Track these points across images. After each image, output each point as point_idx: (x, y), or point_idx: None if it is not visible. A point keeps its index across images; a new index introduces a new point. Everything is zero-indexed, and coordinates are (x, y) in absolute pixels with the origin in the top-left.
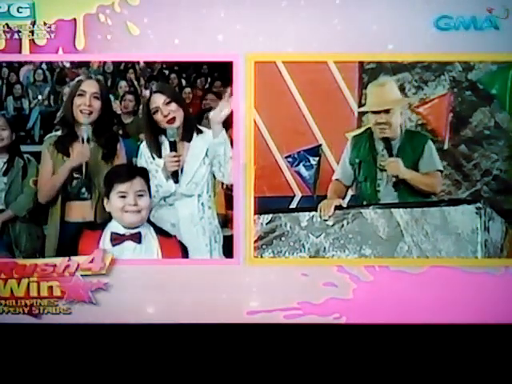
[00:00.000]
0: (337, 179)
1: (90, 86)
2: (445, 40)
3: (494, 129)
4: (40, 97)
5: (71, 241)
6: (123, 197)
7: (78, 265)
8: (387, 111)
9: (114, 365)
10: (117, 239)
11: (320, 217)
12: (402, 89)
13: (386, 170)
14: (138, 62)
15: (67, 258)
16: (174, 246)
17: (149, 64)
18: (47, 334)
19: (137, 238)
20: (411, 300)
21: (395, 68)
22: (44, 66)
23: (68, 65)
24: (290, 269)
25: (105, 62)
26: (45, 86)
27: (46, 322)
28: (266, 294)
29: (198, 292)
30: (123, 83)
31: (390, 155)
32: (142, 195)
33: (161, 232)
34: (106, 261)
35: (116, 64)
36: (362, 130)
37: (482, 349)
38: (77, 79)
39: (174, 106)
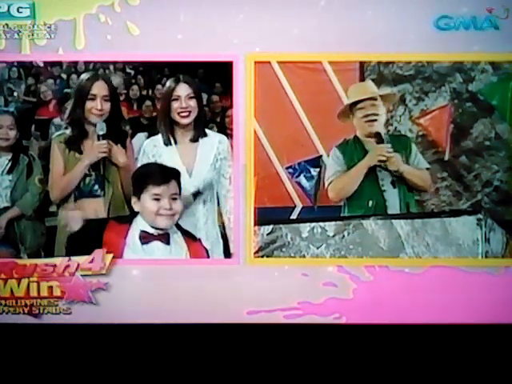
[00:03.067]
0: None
1: (100, 89)
2: (445, 40)
3: (494, 140)
4: (16, 94)
5: (95, 234)
6: (157, 199)
7: (78, 265)
8: (373, 105)
9: (114, 365)
10: (146, 238)
11: (382, 161)
12: (402, 100)
13: (385, 168)
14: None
15: (67, 258)
16: (200, 249)
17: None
18: (47, 334)
19: (165, 238)
20: (411, 300)
21: (396, 79)
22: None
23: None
24: (290, 269)
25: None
26: (21, 84)
27: (46, 321)
28: (266, 293)
29: (198, 292)
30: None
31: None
32: (175, 198)
33: (186, 234)
34: (105, 261)
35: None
36: (341, 140)
37: (482, 349)
38: (86, 77)
39: (193, 102)
